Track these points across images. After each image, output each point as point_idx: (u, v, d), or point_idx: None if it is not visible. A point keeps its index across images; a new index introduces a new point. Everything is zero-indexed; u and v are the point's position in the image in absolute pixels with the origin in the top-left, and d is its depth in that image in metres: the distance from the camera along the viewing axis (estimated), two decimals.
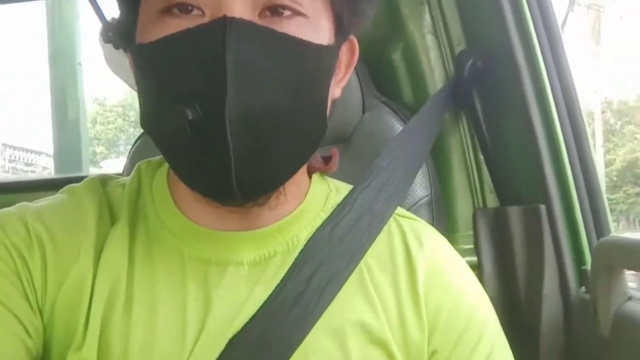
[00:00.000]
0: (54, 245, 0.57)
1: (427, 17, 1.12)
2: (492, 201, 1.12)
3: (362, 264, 0.61)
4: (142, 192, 0.62)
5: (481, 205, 1.13)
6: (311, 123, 0.56)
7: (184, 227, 0.59)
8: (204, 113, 0.49)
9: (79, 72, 3.84)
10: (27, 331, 0.54)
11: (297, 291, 0.58)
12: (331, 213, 0.63)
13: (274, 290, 0.58)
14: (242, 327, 0.56)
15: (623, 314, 0.76)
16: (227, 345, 0.55)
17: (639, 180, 16.71)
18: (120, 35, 0.61)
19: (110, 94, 19.80)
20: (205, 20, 0.51)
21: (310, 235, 0.61)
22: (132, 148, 1.08)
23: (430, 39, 1.13)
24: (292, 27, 0.52)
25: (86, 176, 0.67)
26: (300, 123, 0.54)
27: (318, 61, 0.55)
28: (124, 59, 1.11)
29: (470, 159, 1.14)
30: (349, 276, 0.60)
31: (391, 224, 0.65)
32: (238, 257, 0.58)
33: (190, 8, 0.51)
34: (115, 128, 19.04)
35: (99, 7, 1.11)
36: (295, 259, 0.59)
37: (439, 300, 0.60)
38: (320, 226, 0.62)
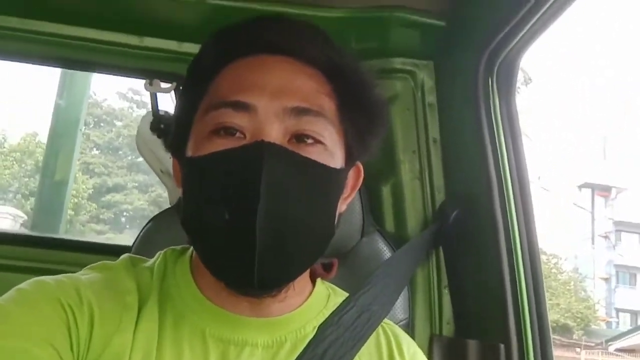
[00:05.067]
0: (101, 313, 0.65)
1: (417, 164, 1.32)
2: (447, 330, 1.26)
3: (357, 359, 0.73)
4: (167, 276, 0.73)
5: (437, 332, 1.27)
6: (322, 231, 0.69)
7: (206, 309, 0.69)
8: (239, 216, 0.62)
9: (79, 137, 3.88)
10: None
11: None
12: (338, 306, 0.76)
13: None
14: None
15: None
16: None
17: None
18: (172, 147, 0.75)
19: (10, 133, 19.21)
20: (246, 142, 0.64)
21: (316, 326, 0.72)
22: (141, 231, 1.16)
23: (416, 183, 1.31)
24: (313, 153, 0.66)
25: None
26: (314, 230, 0.67)
27: (332, 181, 0.69)
28: (154, 145, 1.22)
29: (433, 289, 1.29)
30: (353, 358, 0.72)
31: (379, 329, 0.78)
32: (254, 339, 0.68)
33: (234, 132, 0.65)
34: (9, 174, 18.22)
35: (157, 102, 1.23)
36: (311, 339, 0.70)
37: None
38: (330, 315, 0.73)
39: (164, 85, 1.26)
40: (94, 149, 20.68)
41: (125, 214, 20.31)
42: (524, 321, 1.09)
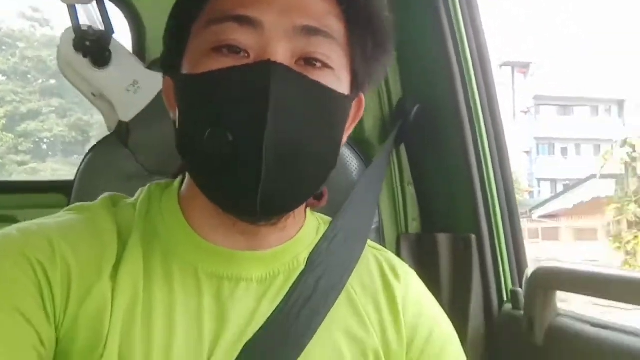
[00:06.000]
0: (78, 263, 0.59)
1: None
2: (414, 227, 1.26)
3: (349, 287, 0.71)
4: (152, 211, 0.67)
5: (404, 231, 1.26)
6: (328, 157, 0.65)
7: (197, 245, 0.65)
8: (244, 137, 0.57)
9: None
10: (42, 342, 0.56)
11: (306, 295, 0.66)
12: (324, 233, 0.73)
13: (286, 294, 0.66)
14: (257, 332, 0.63)
15: (554, 327, 0.91)
16: (243, 349, 0.61)
17: None
18: (164, 63, 0.68)
19: None
20: (250, 61, 0.59)
21: (307, 257, 0.70)
22: (82, 163, 1.07)
23: None
24: (321, 76, 0.61)
25: None
26: (320, 156, 0.63)
27: (339, 106, 0.65)
28: (80, 66, 1.08)
29: (397, 188, 1.26)
30: (346, 284, 0.70)
31: (368, 254, 0.76)
32: (248, 274, 0.65)
33: (238, 50, 0.60)
34: None
35: (77, 16, 1.07)
36: (303, 269, 0.68)
37: (415, 321, 0.72)
38: (317, 243, 0.71)
39: None
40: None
41: (45, 140, 19.29)
42: (494, 211, 1.09)
